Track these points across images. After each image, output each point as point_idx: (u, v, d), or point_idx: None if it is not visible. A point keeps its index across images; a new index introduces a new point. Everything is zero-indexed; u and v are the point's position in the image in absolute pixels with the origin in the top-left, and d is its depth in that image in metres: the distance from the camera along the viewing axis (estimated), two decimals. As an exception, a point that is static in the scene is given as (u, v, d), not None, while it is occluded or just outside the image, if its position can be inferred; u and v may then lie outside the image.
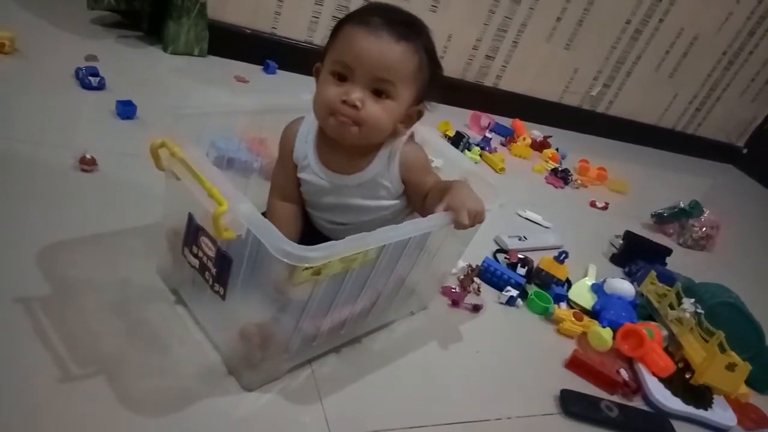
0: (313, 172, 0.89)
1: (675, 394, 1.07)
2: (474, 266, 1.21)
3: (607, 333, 1.13)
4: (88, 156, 1.08)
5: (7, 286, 0.80)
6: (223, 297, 0.75)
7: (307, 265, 0.64)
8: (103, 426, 0.68)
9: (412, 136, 0.93)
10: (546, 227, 1.55)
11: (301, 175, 0.91)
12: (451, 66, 2.11)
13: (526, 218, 1.56)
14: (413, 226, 0.77)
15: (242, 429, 0.74)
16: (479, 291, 1.18)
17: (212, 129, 0.91)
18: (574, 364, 1.07)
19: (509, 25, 2.11)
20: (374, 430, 0.81)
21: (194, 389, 0.77)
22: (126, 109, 1.28)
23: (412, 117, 0.87)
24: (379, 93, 0.79)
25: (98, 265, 0.90)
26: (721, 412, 1.09)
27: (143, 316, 0.84)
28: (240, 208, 0.65)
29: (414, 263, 0.88)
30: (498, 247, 1.36)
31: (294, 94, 0.97)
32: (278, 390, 0.81)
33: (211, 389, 0.77)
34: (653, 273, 1.33)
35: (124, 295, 0.86)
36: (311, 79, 0.87)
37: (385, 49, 0.77)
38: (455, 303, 1.12)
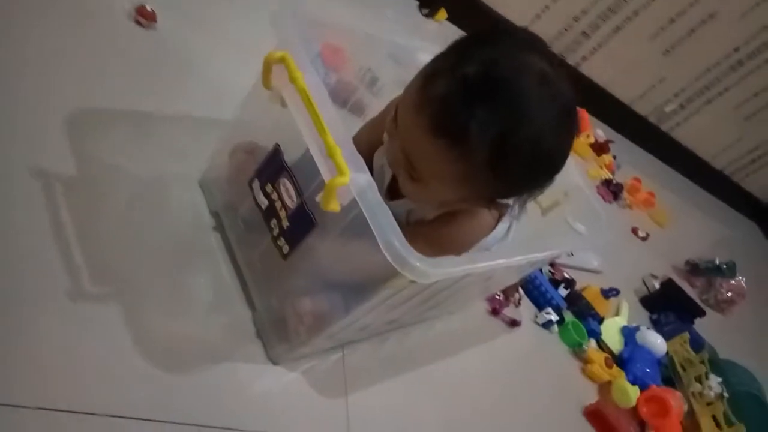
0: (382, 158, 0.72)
1: (675, 472, 1.02)
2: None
3: (633, 391, 1.05)
4: (148, 8, 0.89)
5: (27, 155, 0.64)
6: (285, 257, 0.61)
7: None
8: (105, 364, 0.56)
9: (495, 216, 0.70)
10: (590, 245, 1.44)
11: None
12: (543, 29, 1.87)
13: (575, 229, 1.44)
14: (536, 253, 0.65)
15: (258, 404, 0.64)
16: (519, 303, 1.07)
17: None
18: (594, 416, 1.00)
19: (621, 8, 1.89)
20: (391, 438, 0.72)
21: (215, 345, 0.65)
22: (202, -40, 1.07)
23: (498, 212, 0.69)
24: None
25: (133, 151, 0.74)
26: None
27: (174, 234, 0.70)
28: (358, 180, 0.50)
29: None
30: (544, 256, 1.24)
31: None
32: (305, 370, 0.69)
33: (233, 350, 0.66)
34: (687, 335, 1.25)
35: (156, 199, 0.72)
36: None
37: (416, 135, 0.56)
38: (495, 311, 1.01)
